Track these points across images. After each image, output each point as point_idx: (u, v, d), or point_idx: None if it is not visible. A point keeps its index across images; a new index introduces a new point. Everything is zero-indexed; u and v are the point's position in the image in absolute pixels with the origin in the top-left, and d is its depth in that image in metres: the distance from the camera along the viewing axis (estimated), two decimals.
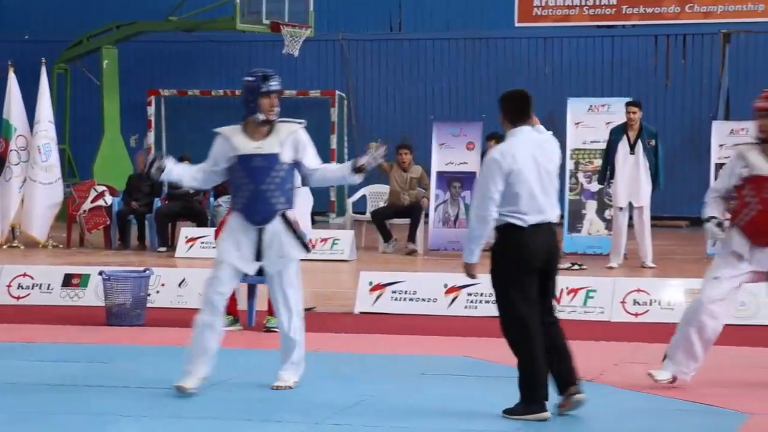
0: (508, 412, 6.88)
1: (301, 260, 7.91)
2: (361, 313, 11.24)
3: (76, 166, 22.50)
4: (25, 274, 12.02)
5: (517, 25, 22.91)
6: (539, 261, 6.84)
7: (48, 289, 11.89)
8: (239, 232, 7.59)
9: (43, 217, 16.91)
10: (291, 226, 7.55)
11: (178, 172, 7.84)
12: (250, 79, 7.47)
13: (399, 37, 23.42)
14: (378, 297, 11.34)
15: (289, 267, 7.69)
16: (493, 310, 10.94)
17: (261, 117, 7.45)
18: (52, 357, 9.00)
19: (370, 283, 11.43)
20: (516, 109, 6.93)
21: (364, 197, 18.34)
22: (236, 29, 21.27)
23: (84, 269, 12.17)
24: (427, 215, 16.66)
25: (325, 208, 22.21)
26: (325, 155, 22.86)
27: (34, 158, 16.92)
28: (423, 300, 11.22)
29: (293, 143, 7.54)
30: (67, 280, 11.91)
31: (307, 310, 11.25)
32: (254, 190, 7.50)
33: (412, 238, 16.48)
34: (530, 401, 6.83)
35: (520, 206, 6.77)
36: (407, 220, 16.65)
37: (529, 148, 6.84)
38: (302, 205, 15.37)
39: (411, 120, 23.01)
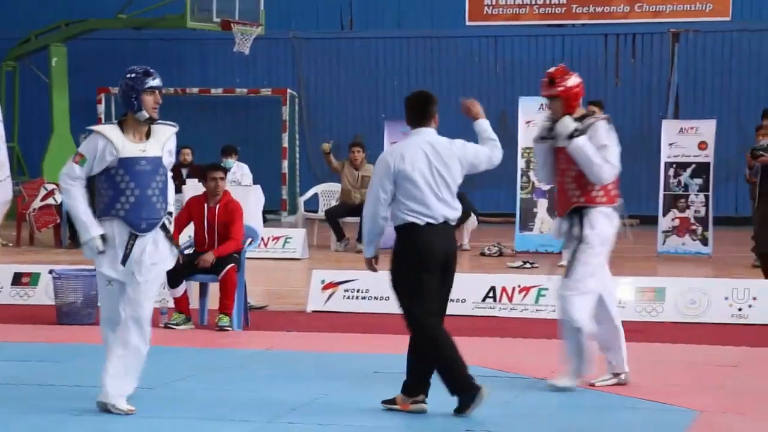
0: (458, 411, 6.90)
1: (254, 258, 7.89)
2: (313, 311, 11.24)
3: (26, 164, 22.33)
4: None
5: (468, 23, 23.01)
6: (438, 260, 6.89)
7: None
8: (116, 241, 6.95)
9: None
10: (169, 232, 7.12)
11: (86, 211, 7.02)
12: (131, 75, 6.98)
13: (350, 35, 23.44)
14: (330, 295, 11.34)
15: (158, 276, 7.11)
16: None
17: (146, 115, 6.91)
18: (2, 356, 8.92)
19: (323, 282, 11.43)
20: (416, 111, 7.05)
21: (315, 195, 18.34)
22: (187, 27, 21.20)
23: (34, 268, 12.08)
24: None
25: (276, 206, 22.18)
26: (277, 153, 22.85)
27: None
28: (375, 298, 11.23)
29: (170, 148, 7.09)
30: (17, 279, 11.82)
31: (259, 308, 11.30)
32: (139, 196, 6.91)
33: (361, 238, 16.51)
34: (461, 390, 6.88)
35: (416, 205, 6.86)
36: (358, 219, 16.67)
37: (423, 149, 6.93)
38: (254, 204, 15.45)
39: (363, 118, 23.03)
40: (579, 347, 7.58)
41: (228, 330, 10.15)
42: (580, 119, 7.66)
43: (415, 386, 7.02)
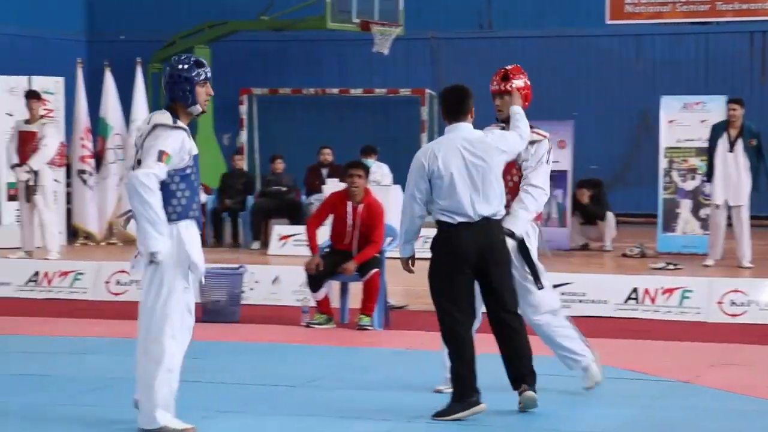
0: (440, 414, 6.83)
1: (395, 258, 7.93)
2: None
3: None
4: (122, 271, 12.21)
5: (608, 22, 22.70)
6: (467, 258, 6.78)
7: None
8: (194, 246, 6.43)
9: None
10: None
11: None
12: (183, 66, 6.40)
13: (489, 35, 23.35)
14: None
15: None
16: (587, 309, 10.90)
17: (200, 109, 6.46)
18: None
19: None
20: (453, 106, 6.96)
21: None
22: (326, 28, 21.37)
23: None
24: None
25: None
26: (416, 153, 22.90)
27: (131, 157, 17.14)
28: None
29: None
30: None
31: (399, 308, 11.34)
32: (197, 194, 6.52)
33: None
34: (461, 398, 6.83)
35: (448, 204, 6.78)
36: None
37: (458, 145, 6.81)
38: (393, 203, 15.49)
39: None
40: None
41: (369, 329, 10.21)
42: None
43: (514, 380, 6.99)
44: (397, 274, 12.70)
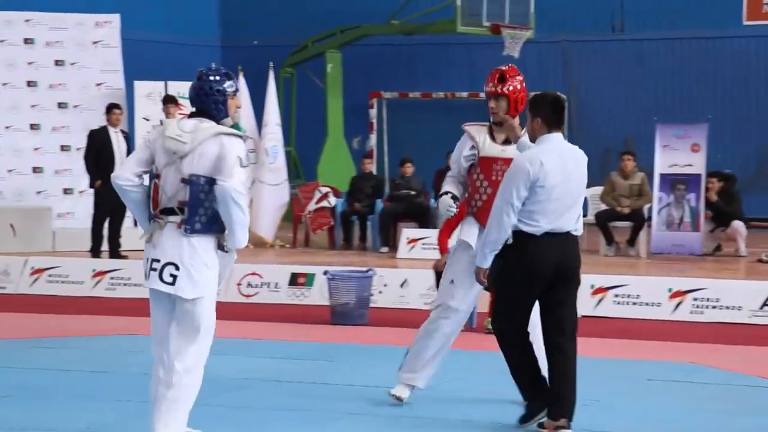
0: (524, 420, 6.74)
1: None
2: (582, 316, 11.10)
3: (302, 167, 23.04)
4: (253, 273, 12.39)
5: (745, 23, 22.26)
6: (545, 272, 6.52)
7: (275, 287, 12.22)
8: None
9: (271, 217, 17.38)
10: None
11: None
12: (215, 78, 6.09)
13: (621, 37, 23.09)
14: (600, 300, 11.21)
15: None
16: (721, 315, 10.72)
17: (230, 121, 6.21)
18: (279, 354, 9.24)
19: (592, 286, 11.31)
20: (556, 114, 6.64)
21: (585, 199, 18.14)
22: (457, 32, 21.38)
23: (309, 269, 12.44)
24: (650, 219, 16.37)
25: None
26: None
27: (262, 160, 17.40)
28: (646, 304, 11.03)
29: None
30: (293, 279, 12.22)
31: None
32: None
33: (632, 242, 16.27)
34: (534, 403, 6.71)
35: (537, 213, 6.48)
36: (629, 223, 16.43)
37: (560, 155, 6.57)
38: None
39: (633, 122, 22.66)
40: None
41: None
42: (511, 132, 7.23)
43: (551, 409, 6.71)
44: None
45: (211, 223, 5.93)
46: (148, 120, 17.45)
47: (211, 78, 6.08)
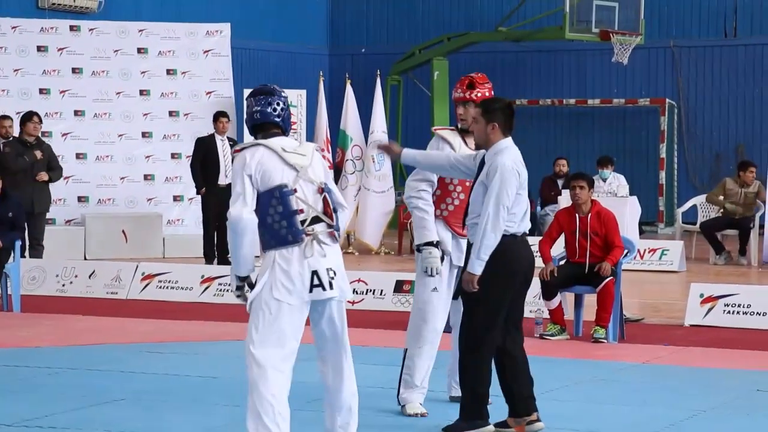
0: (449, 430, 6.65)
1: (630, 270, 7.83)
2: (691, 325, 10.99)
3: (407, 175, 23.07)
4: (359, 280, 12.45)
5: None
6: (527, 272, 6.64)
7: (381, 294, 12.28)
8: None
9: (376, 224, 17.47)
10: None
11: None
12: (283, 95, 6.10)
13: (734, 42, 22.73)
14: (710, 309, 11.06)
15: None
16: None
17: None
18: (383, 361, 9.26)
19: (701, 295, 11.16)
20: (510, 120, 6.70)
21: (694, 207, 17.94)
22: (565, 38, 21.26)
23: (414, 276, 12.46)
24: (762, 227, 16.10)
25: (653, 217, 21.84)
26: (654, 164, 22.51)
27: (368, 167, 17.50)
28: (758, 314, 10.85)
29: None
30: (399, 286, 12.26)
31: (635, 320, 11.19)
32: None
33: (742, 250, 16.03)
34: (474, 417, 6.60)
35: (517, 215, 6.56)
36: (737, 231, 16.20)
37: (518, 159, 6.66)
38: (630, 215, 15.31)
39: (745, 128, 22.30)
40: None
41: (603, 342, 10.11)
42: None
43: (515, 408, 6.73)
44: (632, 286, 12.57)
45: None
46: None
47: (282, 94, 6.05)
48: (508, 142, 6.67)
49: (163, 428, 6.99)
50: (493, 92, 7.33)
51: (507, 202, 6.50)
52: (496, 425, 6.73)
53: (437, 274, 7.16)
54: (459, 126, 7.36)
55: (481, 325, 6.61)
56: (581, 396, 7.87)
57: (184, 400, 7.72)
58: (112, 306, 12.55)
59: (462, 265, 6.95)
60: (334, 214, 5.91)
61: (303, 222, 5.84)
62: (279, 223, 5.84)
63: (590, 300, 10.47)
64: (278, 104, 6.00)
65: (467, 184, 7.12)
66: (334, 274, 5.88)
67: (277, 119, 5.99)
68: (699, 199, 17.78)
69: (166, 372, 8.74)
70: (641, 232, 16.55)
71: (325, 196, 5.91)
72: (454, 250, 7.23)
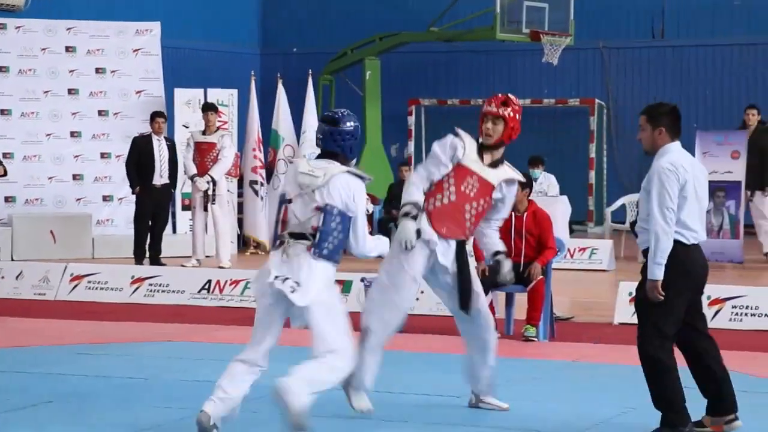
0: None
1: (560, 269, 7.89)
2: (620, 323, 11.09)
3: None
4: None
5: None
6: (699, 282, 6.59)
7: None
8: None
9: None
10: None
11: None
12: (350, 124, 6.74)
13: (661, 44, 23.00)
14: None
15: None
16: (758, 323, 10.64)
17: (354, 162, 6.98)
18: None
19: (630, 294, 11.24)
20: (677, 124, 6.65)
21: (623, 206, 18.11)
22: (496, 39, 21.36)
23: (347, 276, 12.45)
24: None
25: (583, 217, 22.02)
26: (584, 164, 22.70)
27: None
28: None
29: None
30: None
31: (565, 319, 11.27)
32: None
33: None
34: (674, 425, 6.55)
35: (687, 222, 6.49)
36: None
37: (693, 163, 6.63)
38: (560, 214, 15.40)
39: None
40: None
41: (534, 340, 10.17)
42: (498, 161, 7.27)
43: (719, 404, 6.73)
44: (562, 285, 12.64)
45: (334, 253, 6.57)
46: (187, 127, 17.55)
47: (347, 124, 6.71)
48: (674, 146, 6.60)
49: (91, 431, 6.90)
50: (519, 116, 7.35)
51: (670, 204, 6.45)
52: (694, 424, 6.68)
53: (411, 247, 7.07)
54: (481, 140, 7.33)
55: (645, 331, 6.56)
56: (512, 394, 7.89)
57: (113, 402, 7.64)
58: (40, 307, 12.41)
59: (447, 264, 7.09)
60: (318, 234, 6.48)
61: (284, 230, 6.57)
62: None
63: (521, 299, 10.52)
64: (337, 132, 6.69)
65: (462, 189, 7.13)
66: (284, 281, 6.42)
67: (325, 143, 6.71)
68: (628, 199, 17.95)
69: (95, 374, 8.65)
70: (571, 232, 16.69)
71: (322, 216, 6.51)
72: (439, 247, 7.15)
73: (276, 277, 6.44)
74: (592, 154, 22.66)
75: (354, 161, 6.84)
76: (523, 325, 10.31)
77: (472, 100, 23.14)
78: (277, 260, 6.51)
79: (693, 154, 16.26)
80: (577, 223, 20.75)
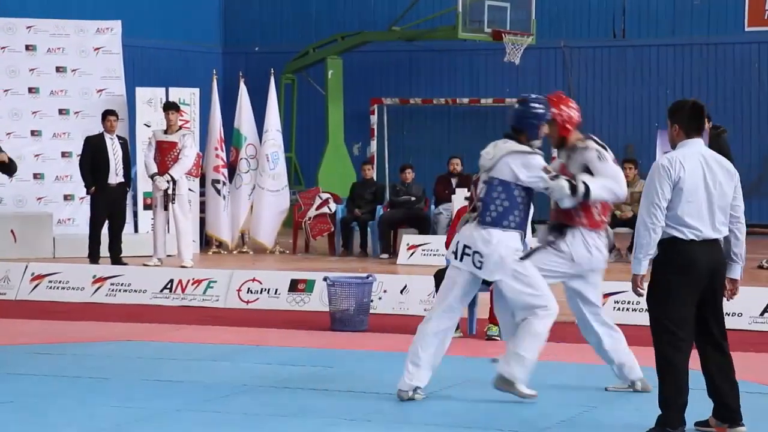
0: None
1: None
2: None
3: (302, 173, 23.04)
4: (254, 279, 12.39)
5: (747, 29, 22.25)
6: (701, 280, 6.50)
7: (275, 294, 12.22)
8: None
9: (271, 223, 17.38)
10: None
11: None
12: (540, 105, 7.67)
13: (623, 43, 23.10)
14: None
15: None
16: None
17: (538, 143, 7.72)
18: (280, 360, 9.24)
19: None
20: (694, 121, 6.66)
21: None
22: (458, 38, 21.38)
23: (309, 275, 12.45)
24: None
25: (545, 216, 22.06)
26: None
27: (263, 166, 17.41)
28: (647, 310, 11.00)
29: None
30: (293, 285, 12.22)
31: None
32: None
33: (632, 248, 16.26)
34: (665, 426, 6.51)
35: (685, 218, 6.49)
36: (629, 230, 16.43)
37: (700, 160, 6.59)
38: None
39: (634, 128, 22.66)
40: None
41: (497, 339, 10.17)
42: (571, 148, 7.81)
43: (725, 412, 6.65)
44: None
45: (501, 218, 7.50)
46: (149, 126, 17.46)
47: (533, 105, 7.56)
48: (689, 142, 6.60)
49: (51, 431, 6.85)
50: (573, 107, 8.06)
51: (656, 200, 6.45)
52: (697, 424, 6.65)
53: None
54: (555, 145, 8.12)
55: (654, 330, 6.53)
56: (475, 394, 7.91)
57: (73, 402, 7.59)
58: (1, 307, 12.30)
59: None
60: (480, 204, 7.54)
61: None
62: None
63: (484, 298, 10.52)
64: (522, 111, 7.65)
65: None
66: (464, 248, 7.51)
67: (514, 121, 7.67)
68: None
69: (56, 373, 8.59)
70: (533, 231, 16.70)
71: (485, 187, 7.53)
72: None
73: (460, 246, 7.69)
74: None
75: (536, 142, 7.65)
76: (486, 324, 10.32)
77: (434, 99, 23.16)
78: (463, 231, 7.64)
79: (654, 154, 16.59)
80: (540, 223, 20.78)
